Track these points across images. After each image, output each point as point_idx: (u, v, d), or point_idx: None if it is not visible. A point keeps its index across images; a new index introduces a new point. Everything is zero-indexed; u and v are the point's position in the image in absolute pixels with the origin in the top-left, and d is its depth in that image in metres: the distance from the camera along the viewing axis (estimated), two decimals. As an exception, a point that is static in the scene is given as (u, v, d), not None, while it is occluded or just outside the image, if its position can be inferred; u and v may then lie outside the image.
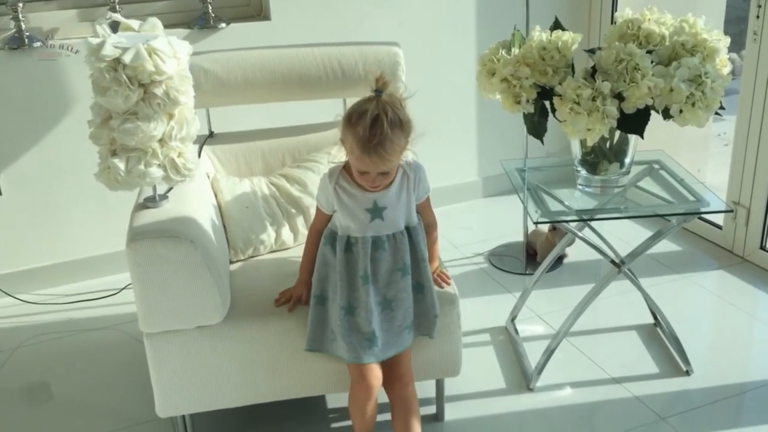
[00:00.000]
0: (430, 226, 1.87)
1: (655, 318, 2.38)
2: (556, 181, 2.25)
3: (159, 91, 1.69)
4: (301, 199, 2.19)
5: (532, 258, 2.89)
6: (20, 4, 2.54)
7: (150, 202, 1.84)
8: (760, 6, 2.56)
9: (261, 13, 2.93)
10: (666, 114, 1.89)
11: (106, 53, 1.64)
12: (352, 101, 1.70)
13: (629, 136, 2.02)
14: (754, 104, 2.67)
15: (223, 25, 2.80)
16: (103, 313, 2.66)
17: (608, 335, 2.42)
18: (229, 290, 1.85)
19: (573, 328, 2.16)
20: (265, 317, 1.82)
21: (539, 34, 2.03)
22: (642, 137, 1.93)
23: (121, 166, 1.72)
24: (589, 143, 1.94)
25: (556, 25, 2.07)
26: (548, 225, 2.74)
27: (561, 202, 2.11)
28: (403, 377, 1.80)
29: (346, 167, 1.75)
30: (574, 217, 2.10)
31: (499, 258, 2.93)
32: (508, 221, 3.14)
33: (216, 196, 2.13)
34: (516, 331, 2.42)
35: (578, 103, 1.86)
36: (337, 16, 2.95)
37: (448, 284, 1.91)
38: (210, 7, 2.77)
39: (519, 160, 2.43)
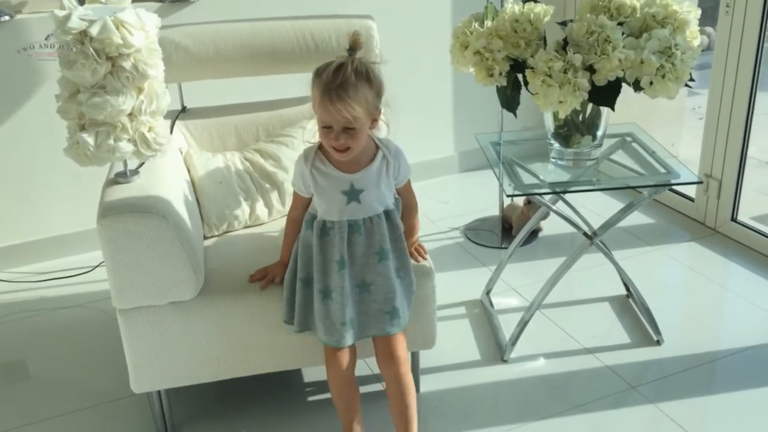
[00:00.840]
0: (410, 209, 1.86)
1: (628, 289, 2.41)
2: (531, 154, 2.26)
3: (127, 64, 1.67)
4: (275, 174, 2.17)
5: (507, 232, 2.91)
6: (-14, -23, 2.49)
7: (121, 178, 1.82)
8: (732, -21, 2.58)
9: (234, -13, 2.89)
10: (637, 86, 1.89)
11: (73, 26, 1.61)
12: (324, 75, 1.68)
13: (601, 108, 2.03)
14: (726, 77, 2.68)
15: (195, -2, 2.77)
16: (77, 290, 2.64)
17: (581, 307, 2.45)
18: (202, 266, 1.85)
19: (546, 300, 2.18)
20: (239, 293, 1.81)
21: (512, 7, 2.02)
22: (613, 109, 1.94)
23: (90, 141, 1.70)
24: (561, 115, 1.94)
25: (529, -3, 2.06)
26: (523, 199, 2.76)
27: (535, 176, 2.12)
28: (394, 356, 1.75)
29: (321, 147, 1.71)
30: (547, 190, 2.11)
31: (475, 232, 2.95)
32: (484, 195, 3.15)
33: (189, 171, 2.12)
34: (491, 304, 2.44)
35: (550, 76, 1.87)
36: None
37: (425, 258, 1.91)
38: (181, -20, 2.73)
39: (494, 134, 2.44)
